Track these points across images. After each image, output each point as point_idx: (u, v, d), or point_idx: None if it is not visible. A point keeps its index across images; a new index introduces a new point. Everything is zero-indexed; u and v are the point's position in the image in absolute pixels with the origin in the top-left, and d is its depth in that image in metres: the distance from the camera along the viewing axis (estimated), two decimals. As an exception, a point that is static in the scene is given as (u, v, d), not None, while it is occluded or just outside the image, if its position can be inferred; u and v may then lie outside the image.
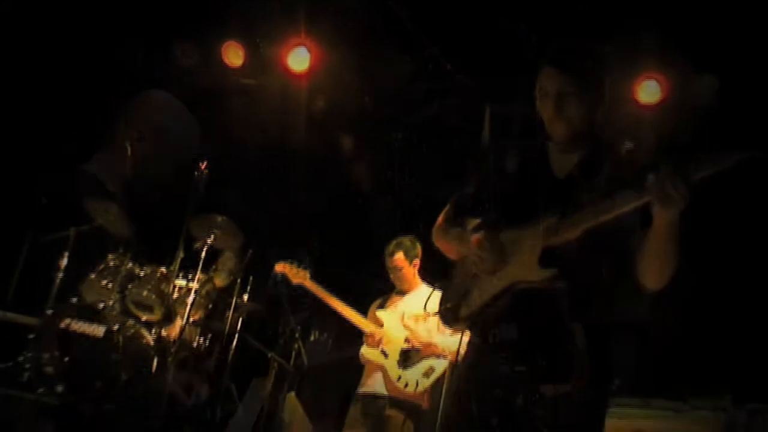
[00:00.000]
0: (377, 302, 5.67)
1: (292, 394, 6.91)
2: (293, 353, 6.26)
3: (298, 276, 5.67)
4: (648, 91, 6.84)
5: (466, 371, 2.73)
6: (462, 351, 2.84)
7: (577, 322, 2.49)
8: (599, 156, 2.61)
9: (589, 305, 2.50)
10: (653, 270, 2.42)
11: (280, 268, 5.72)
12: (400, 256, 5.49)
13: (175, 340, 6.04)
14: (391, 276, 5.58)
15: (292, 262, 5.70)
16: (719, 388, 5.18)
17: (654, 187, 2.18)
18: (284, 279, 5.73)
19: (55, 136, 7.74)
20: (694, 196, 2.15)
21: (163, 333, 6.19)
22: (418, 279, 5.59)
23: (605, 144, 2.67)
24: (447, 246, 2.96)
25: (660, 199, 2.18)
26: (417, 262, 5.54)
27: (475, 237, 2.66)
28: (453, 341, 5.20)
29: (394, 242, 5.56)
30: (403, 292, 5.60)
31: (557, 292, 2.44)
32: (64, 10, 7.14)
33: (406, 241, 5.55)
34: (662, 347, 6.31)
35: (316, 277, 5.69)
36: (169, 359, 5.84)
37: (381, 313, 5.49)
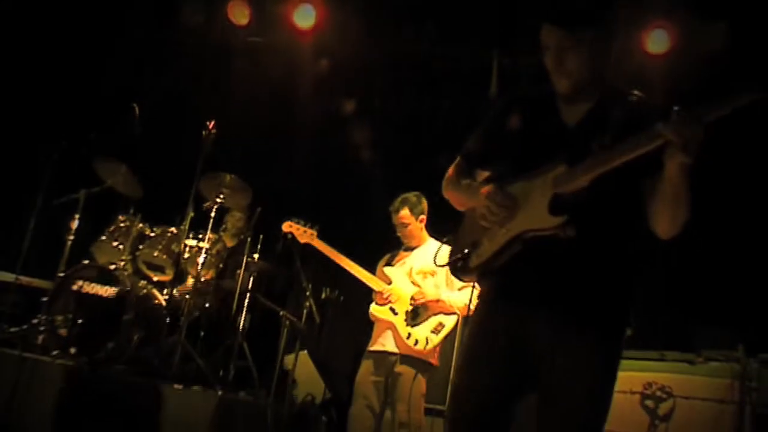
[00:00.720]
0: (385, 259, 5.65)
1: (305, 353, 6.94)
2: (305, 311, 6.26)
3: (306, 235, 5.64)
4: (656, 41, 6.76)
5: (474, 326, 2.71)
6: (472, 305, 2.83)
7: (588, 270, 2.47)
8: (609, 104, 2.57)
9: (600, 252, 2.48)
10: (666, 217, 2.41)
11: (287, 227, 5.69)
12: (405, 212, 5.46)
13: (186, 300, 6.06)
14: (398, 232, 5.55)
15: (299, 221, 5.68)
16: (732, 339, 5.17)
17: (666, 130, 2.15)
18: (292, 238, 5.71)
19: (63, 99, 7.74)
20: (706, 139, 2.11)
21: (175, 293, 6.21)
22: (425, 234, 5.56)
23: (616, 92, 2.64)
24: (456, 197, 2.94)
25: (673, 142, 2.15)
26: (423, 217, 5.51)
27: (485, 189, 2.63)
28: (461, 296, 5.21)
29: (399, 198, 5.53)
30: (410, 248, 5.58)
31: (569, 239, 2.40)
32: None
33: (412, 196, 5.52)
34: (674, 298, 6.30)
35: (324, 238, 5.67)
36: (182, 319, 5.86)
37: (389, 270, 5.48)
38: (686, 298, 6.39)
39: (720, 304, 6.21)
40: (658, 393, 5.21)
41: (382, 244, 5.82)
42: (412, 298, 5.25)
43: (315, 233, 5.65)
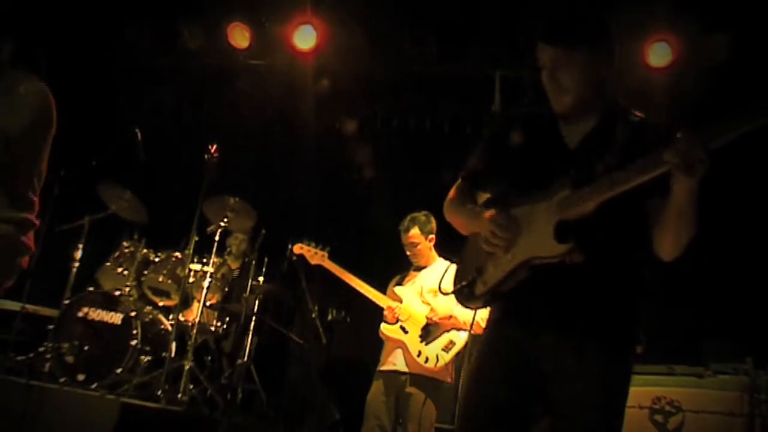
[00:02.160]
0: (395, 279, 5.65)
1: (313, 373, 6.93)
2: (311, 333, 6.26)
3: (317, 257, 5.65)
4: (658, 54, 6.76)
5: (483, 347, 2.70)
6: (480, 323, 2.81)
7: (595, 294, 2.46)
8: (611, 124, 2.56)
9: (608, 276, 2.47)
10: (670, 239, 2.40)
11: (297, 249, 5.70)
12: (415, 231, 5.46)
13: (193, 325, 6.06)
14: (408, 252, 5.55)
15: (309, 243, 5.68)
16: (740, 352, 5.15)
17: (673, 156, 2.12)
18: (302, 260, 5.71)
19: (65, 124, 7.75)
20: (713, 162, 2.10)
21: (181, 318, 6.20)
22: (434, 254, 5.56)
23: (617, 110, 2.62)
24: (459, 222, 2.90)
25: (679, 168, 2.13)
26: (432, 237, 5.51)
27: (488, 213, 2.61)
28: (472, 313, 5.19)
29: (408, 218, 5.53)
30: (420, 268, 5.57)
31: (575, 265, 2.39)
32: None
33: (421, 216, 5.52)
34: (681, 312, 6.28)
35: (334, 257, 5.67)
36: (189, 343, 5.86)
37: (399, 290, 5.48)
38: (694, 312, 6.37)
39: (728, 317, 6.19)
40: (667, 407, 5.18)
41: (391, 264, 5.82)
42: (427, 317, 5.25)
43: (326, 254, 5.66)
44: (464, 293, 2.77)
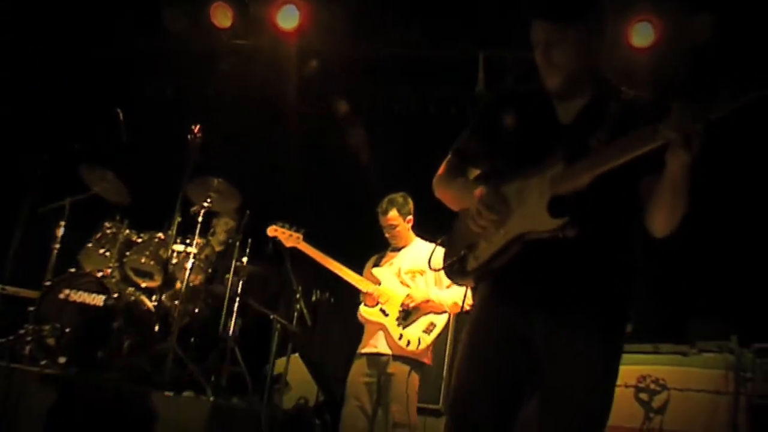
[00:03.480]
0: (372, 260, 5.63)
1: (297, 355, 6.91)
2: (296, 314, 6.23)
3: (292, 239, 5.62)
4: (641, 34, 6.75)
5: (473, 326, 2.68)
6: (466, 304, 2.79)
7: (588, 270, 2.45)
8: (604, 100, 2.54)
9: (601, 252, 2.45)
10: (663, 215, 2.38)
11: (272, 231, 5.66)
12: (393, 213, 5.44)
13: (176, 306, 6.01)
14: (386, 234, 5.53)
15: (283, 225, 5.64)
16: (725, 330, 5.18)
17: (668, 128, 2.11)
18: (279, 243, 5.68)
19: (47, 105, 7.69)
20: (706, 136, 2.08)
21: (164, 299, 6.16)
22: (411, 234, 5.55)
23: (610, 87, 2.61)
24: (449, 196, 2.88)
25: (676, 140, 2.12)
26: (410, 218, 5.50)
27: (478, 190, 2.59)
28: (451, 294, 5.19)
29: (386, 199, 5.50)
30: (397, 249, 5.56)
31: (568, 240, 2.37)
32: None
33: (398, 197, 5.50)
34: (666, 290, 6.30)
35: (311, 240, 5.64)
36: (172, 325, 5.82)
37: (377, 271, 5.46)
38: (679, 290, 6.39)
39: (712, 295, 6.22)
40: (653, 386, 5.21)
41: (370, 245, 5.80)
42: (402, 303, 5.23)
43: (301, 236, 5.62)
44: (455, 269, 2.75)
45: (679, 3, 6.48)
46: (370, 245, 5.82)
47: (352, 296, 5.55)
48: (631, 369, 5.24)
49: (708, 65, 6.08)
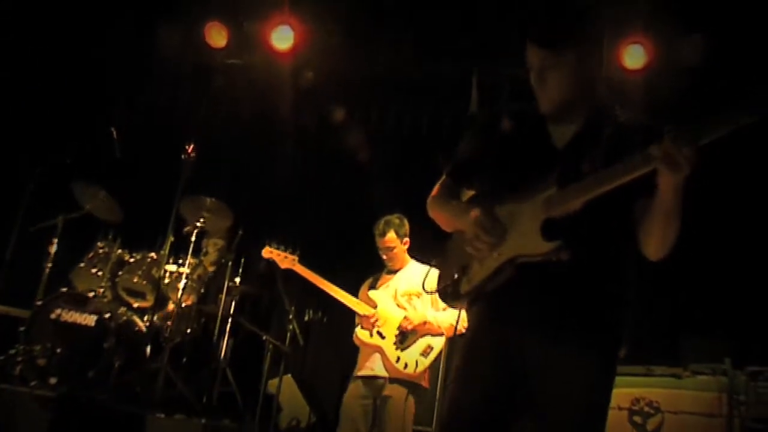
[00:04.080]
0: (368, 282, 5.60)
1: (289, 376, 6.87)
2: (288, 334, 6.21)
3: (287, 261, 5.60)
4: (633, 56, 6.80)
5: (466, 349, 2.66)
6: (460, 326, 2.78)
7: (582, 293, 2.44)
8: (597, 124, 2.55)
9: (594, 275, 2.45)
10: (656, 238, 2.39)
11: (267, 253, 5.64)
12: (391, 235, 5.42)
13: (168, 326, 5.98)
14: (383, 255, 5.50)
15: (278, 247, 5.63)
16: (718, 352, 5.17)
17: (659, 153, 2.11)
18: (273, 264, 5.66)
19: (40, 122, 7.67)
20: (699, 160, 2.08)
21: (156, 319, 6.13)
22: (407, 256, 5.53)
23: (604, 111, 2.61)
24: (443, 219, 2.87)
25: (665, 165, 2.12)
26: (407, 240, 5.48)
27: (473, 213, 2.58)
28: (447, 316, 5.17)
29: (382, 221, 5.48)
30: (393, 271, 5.53)
31: (562, 263, 2.37)
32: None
33: (395, 219, 5.48)
34: (659, 312, 6.30)
35: (305, 260, 5.62)
36: (164, 345, 5.78)
37: (373, 294, 5.43)
38: (672, 312, 6.39)
39: (705, 317, 6.22)
40: (646, 408, 5.19)
41: (364, 266, 5.78)
42: (399, 326, 5.21)
43: (296, 258, 5.61)
44: (448, 292, 2.74)
45: (672, 26, 6.53)
46: (364, 266, 5.80)
47: (345, 316, 5.52)
48: (625, 392, 5.22)
49: (700, 89, 6.12)
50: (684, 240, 2.39)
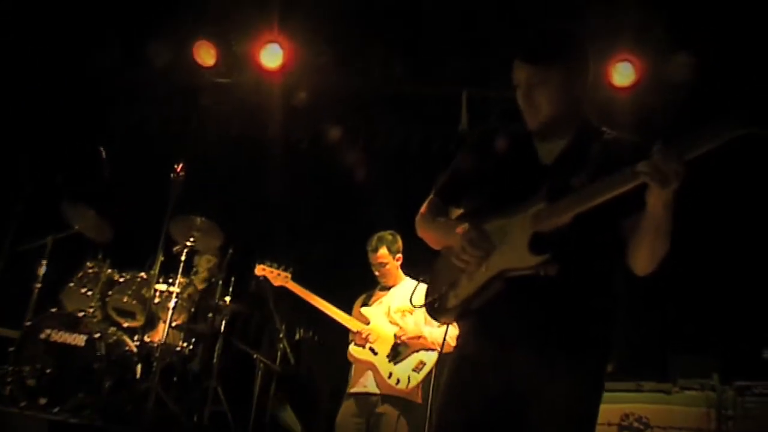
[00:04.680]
0: (361, 299, 5.62)
1: (281, 394, 6.86)
2: (279, 353, 6.21)
3: (280, 278, 5.62)
4: (622, 74, 6.84)
5: (455, 366, 2.67)
6: (450, 343, 2.79)
7: (569, 308, 2.45)
8: (585, 141, 2.57)
9: (582, 290, 2.46)
10: (645, 254, 2.40)
11: (260, 271, 5.66)
12: (383, 251, 5.44)
13: (158, 346, 5.97)
14: (375, 272, 5.52)
15: (271, 264, 5.64)
16: (706, 367, 5.19)
17: (647, 167, 2.13)
18: (266, 281, 5.67)
19: (28, 142, 7.66)
20: (687, 174, 2.11)
21: (146, 339, 6.12)
22: (400, 273, 5.55)
23: (591, 128, 2.64)
24: (431, 236, 2.88)
25: (653, 179, 2.13)
26: (399, 256, 5.51)
27: (461, 227, 2.60)
28: (442, 332, 5.18)
29: (375, 237, 5.51)
30: (386, 287, 5.55)
31: (550, 277, 2.38)
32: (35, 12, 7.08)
33: (387, 235, 5.51)
34: (648, 328, 6.33)
35: (297, 278, 5.64)
36: (154, 365, 5.77)
37: (366, 310, 5.45)
38: (660, 328, 6.42)
39: (693, 333, 6.25)
40: (636, 424, 5.20)
41: (358, 283, 5.79)
42: (395, 336, 5.22)
43: (289, 275, 5.63)
44: (436, 307, 2.75)
45: (660, 43, 6.58)
46: (357, 284, 5.81)
47: (336, 334, 5.53)
48: (614, 407, 5.24)
49: (689, 106, 6.17)
50: (673, 256, 2.41)
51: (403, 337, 5.20)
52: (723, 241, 6.34)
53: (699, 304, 6.38)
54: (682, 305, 6.44)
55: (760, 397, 4.91)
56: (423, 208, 2.93)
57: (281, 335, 6.12)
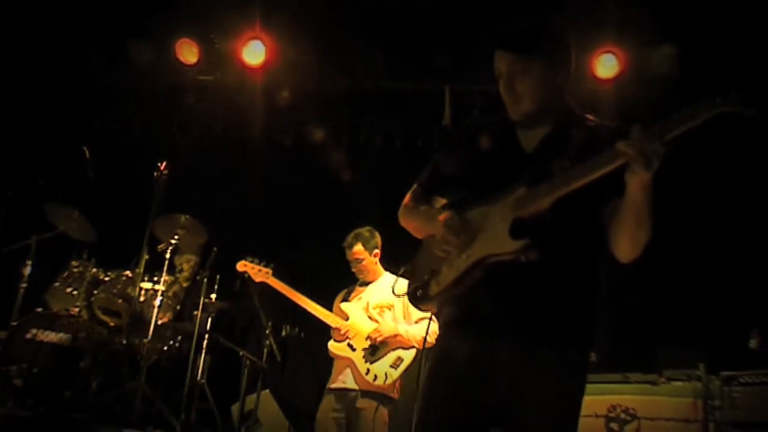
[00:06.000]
0: (341, 295, 5.64)
1: (267, 392, 6.85)
2: (265, 350, 6.19)
3: (261, 274, 5.62)
4: (605, 65, 6.86)
5: (437, 357, 2.67)
6: (430, 337, 2.78)
7: (551, 294, 2.44)
8: (566, 128, 2.57)
9: (563, 276, 2.46)
10: (627, 239, 2.38)
11: (241, 267, 5.66)
12: (359, 247, 5.46)
13: (144, 344, 5.95)
14: (353, 268, 5.55)
15: (252, 260, 5.65)
16: (692, 358, 5.22)
17: (627, 147, 2.13)
18: (248, 277, 5.67)
19: (11, 143, 7.62)
20: (666, 156, 2.11)
21: (132, 337, 6.09)
22: (379, 268, 5.56)
23: (573, 116, 2.64)
24: (413, 224, 2.88)
25: (634, 159, 2.13)
26: (377, 252, 5.53)
27: (442, 215, 2.60)
28: (419, 329, 5.21)
29: (352, 234, 5.54)
30: (366, 283, 5.57)
31: (531, 263, 2.38)
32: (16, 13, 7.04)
33: (364, 231, 5.53)
34: (634, 320, 6.35)
35: (281, 276, 5.63)
36: (141, 363, 5.76)
37: (345, 306, 5.46)
38: (646, 319, 6.45)
39: (679, 324, 6.28)
40: (623, 415, 5.22)
41: (339, 279, 5.80)
42: (368, 337, 5.23)
43: (270, 271, 5.63)
44: (418, 295, 2.74)
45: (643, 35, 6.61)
46: (339, 279, 5.81)
47: (322, 331, 5.53)
48: (601, 399, 5.25)
49: (671, 96, 6.20)
50: (658, 248, 2.41)
51: (378, 339, 5.21)
52: (708, 232, 6.37)
53: (685, 294, 6.41)
54: (668, 296, 6.47)
55: (747, 387, 4.92)
56: (406, 198, 2.94)
57: (267, 332, 6.10)
